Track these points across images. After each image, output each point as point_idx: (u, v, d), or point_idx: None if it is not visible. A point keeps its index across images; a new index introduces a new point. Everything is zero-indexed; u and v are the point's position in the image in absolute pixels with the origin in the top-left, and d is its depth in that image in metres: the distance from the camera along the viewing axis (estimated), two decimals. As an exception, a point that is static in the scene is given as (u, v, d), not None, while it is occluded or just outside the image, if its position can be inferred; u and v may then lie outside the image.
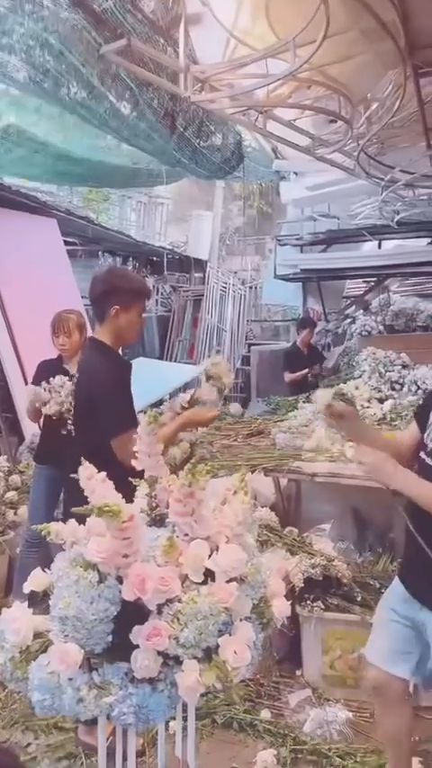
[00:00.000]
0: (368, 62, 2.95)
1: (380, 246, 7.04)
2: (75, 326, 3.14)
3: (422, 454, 1.67)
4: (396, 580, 1.78)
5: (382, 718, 2.00)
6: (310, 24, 2.28)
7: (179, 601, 1.13)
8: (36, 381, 3.19)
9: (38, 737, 2.41)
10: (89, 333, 3.21)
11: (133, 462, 1.50)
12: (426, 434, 1.68)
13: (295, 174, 6.37)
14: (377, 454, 1.57)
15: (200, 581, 1.17)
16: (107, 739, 2.17)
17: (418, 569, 1.66)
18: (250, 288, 10.72)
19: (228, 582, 1.20)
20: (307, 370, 5.80)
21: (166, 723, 1.41)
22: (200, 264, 9.90)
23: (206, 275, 9.65)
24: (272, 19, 2.52)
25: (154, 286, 9.15)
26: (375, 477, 1.57)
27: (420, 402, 1.90)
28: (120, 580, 1.13)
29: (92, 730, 2.29)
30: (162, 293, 9.52)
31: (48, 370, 3.21)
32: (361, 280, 8.03)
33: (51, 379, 3.03)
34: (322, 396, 1.77)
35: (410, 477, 1.57)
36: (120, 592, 1.11)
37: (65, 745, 2.36)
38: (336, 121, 3.86)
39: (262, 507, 3.02)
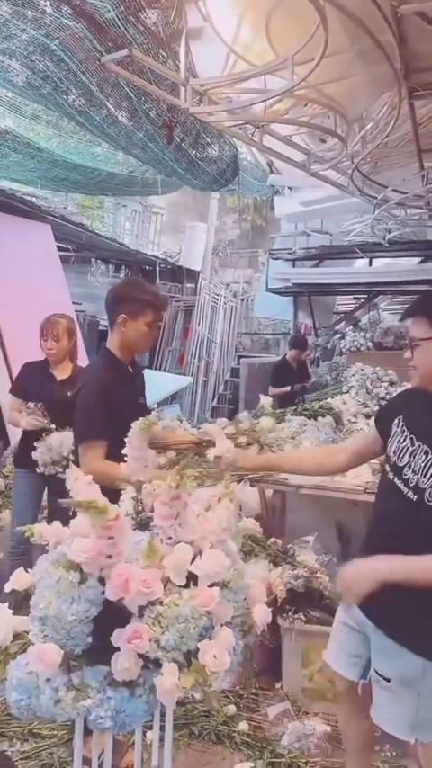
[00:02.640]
0: (364, 83, 3.01)
1: (371, 264, 7.13)
2: (64, 331, 3.08)
3: (388, 469, 1.62)
4: None
5: (343, 727, 2.01)
6: (309, 43, 2.33)
7: (161, 603, 1.13)
8: (19, 384, 3.15)
9: (13, 744, 2.37)
10: (80, 339, 3.21)
11: (122, 465, 1.51)
12: (389, 447, 1.62)
13: (290, 189, 6.46)
14: (347, 571, 1.49)
15: (182, 584, 1.17)
16: (99, 755, 2.15)
17: (383, 601, 1.62)
18: (242, 300, 10.78)
19: (210, 587, 1.20)
20: (288, 389, 5.80)
21: (144, 732, 1.40)
22: (192, 275, 9.96)
23: (198, 286, 9.70)
24: (272, 36, 2.57)
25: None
26: (363, 592, 1.46)
27: (379, 412, 1.86)
28: (102, 582, 1.13)
29: (85, 742, 2.25)
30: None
31: (32, 373, 3.15)
32: (351, 296, 8.12)
33: (31, 404, 2.95)
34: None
35: (388, 560, 1.46)
36: (102, 593, 1.10)
37: (40, 753, 2.33)
38: (326, 140, 3.93)
39: (247, 518, 3.02)
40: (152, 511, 1.32)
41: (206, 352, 9.71)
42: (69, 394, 2.91)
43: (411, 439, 1.54)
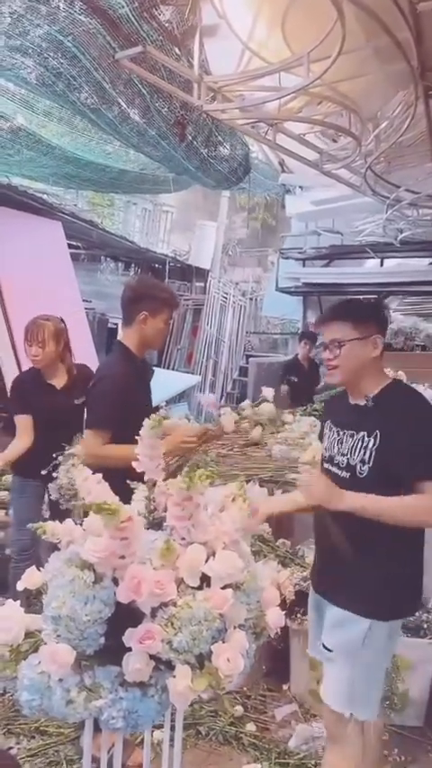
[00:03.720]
0: (379, 81, 2.98)
1: (382, 264, 7.09)
2: (50, 335, 2.83)
3: (324, 464, 1.82)
4: None
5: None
6: (325, 40, 2.30)
7: (174, 605, 1.12)
8: (21, 400, 2.93)
9: (20, 742, 2.37)
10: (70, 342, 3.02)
11: (134, 464, 1.50)
12: (323, 446, 1.85)
13: (301, 188, 6.42)
14: (319, 478, 1.67)
15: (196, 585, 1.16)
16: (109, 750, 2.15)
17: (320, 566, 1.88)
18: (251, 299, 10.75)
19: (223, 588, 1.19)
20: (287, 388, 5.75)
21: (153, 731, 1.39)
22: (201, 274, 9.94)
23: (207, 285, 9.68)
24: (287, 33, 2.55)
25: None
26: (323, 503, 1.62)
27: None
28: (115, 582, 1.12)
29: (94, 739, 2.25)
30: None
31: (28, 387, 2.94)
32: (362, 296, 8.07)
33: None
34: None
35: (357, 495, 1.63)
36: (114, 594, 1.09)
37: (47, 751, 2.33)
38: (338, 139, 3.90)
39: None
40: (165, 510, 1.31)
41: (215, 351, 9.69)
42: (77, 402, 2.80)
43: (337, 431, 1.78)
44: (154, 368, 2.61)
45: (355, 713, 1.67)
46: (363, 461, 1.67)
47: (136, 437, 1.47)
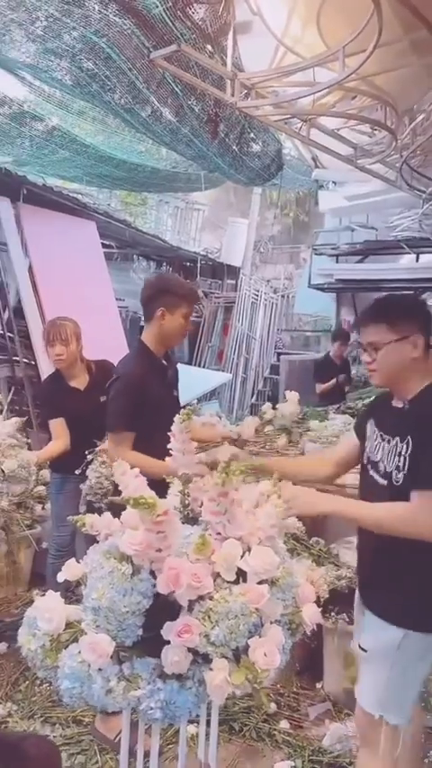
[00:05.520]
0: (416, 74, 2.92)
1: (417, 260, 6.96)
2: (72, 334, 2.87)
3: (368, 466, 1.77)
4: None
5: None
6: (360, 34, 2.28)
7: (210, 598, 1.13)
8: (53, 403, 2.99)
9: (55, 730, 2.43)
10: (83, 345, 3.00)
11: (167, 460, 1.52)
12: (366, 447, 1.80)
13: (334, 183, 6.36)
14: (295, 490, 1.61)
15: (232, 580, 1.17)
16: (116, 736, 2.18)
17: (360, 570, 1.86)
18: (282, 297, 10.69)
19: (259, 584, 1.19)
20: (334, 380, 5.79)
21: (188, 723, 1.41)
22: (233, 271, 9.93)
23: (238, 282, 9.67)
24: (322, 27, 2.52)
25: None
26: (300, 510, 1.59)
27: (356, 421, 2.01)
28: (153, 575, 1.13)
29: (108, 722, 2.30)
30: (193, 299, 9.56)
31: (51, 392, 2.99)
32: (397, 292, 7.94)
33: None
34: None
35: (338, 498, 1.63)
36: (152, 586, 1.11)
37: (81, 740, 2.37)
38: (372, 134, 3.84)
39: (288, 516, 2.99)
40: (201, 506, 1.32)
41: (245, 348, 9.67)
42: (102, 399, 2.75)
43: (380, 435, 1.74)
44: (185, 365, 2.62)
45: (386, 716, 1.64)
46: (398, 468, 1.62)
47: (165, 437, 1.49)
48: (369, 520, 1.60)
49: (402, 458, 1.60)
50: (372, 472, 1.73)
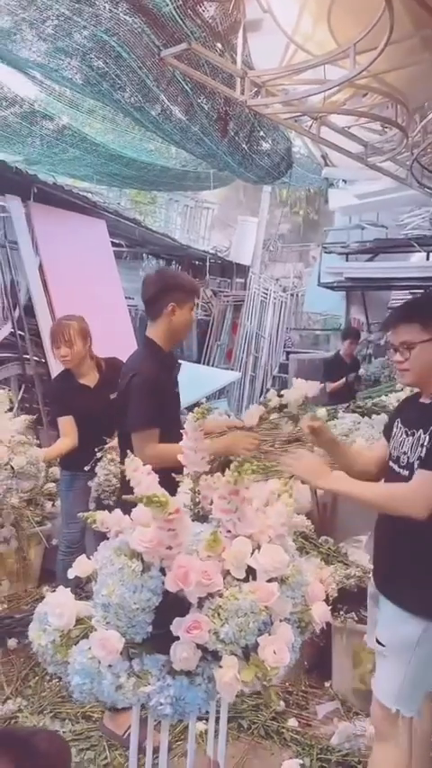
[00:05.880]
0: (427, 71, 2.90)
1: (428, 258, 6.92)
2: (76, 334, 2.86)
3: (390, 462, 1.81)
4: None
5: None
6: (371, 30, 2.26)
7: (220, 596, 1.13)
8: (62, 400, 3.01)
9: (65, 726, 2.44)
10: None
11: (179, 457, 1.52)
12: (391, 445, 1.84)
13: (344, 181, 6.33)
14: (308, 455, 1.72)
15: (242, 578, 1.17)
16: (124, 732, 2.19)
17: (379, 562, 1.86)
18: (291, 295, 10.67)
19: (268, 582, 1.19)
20: (343, 380, 5.78)
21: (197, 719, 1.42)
22: (242, 270, 9.92)
23: (248, 281, 9.65)
24: (333, 24, 2.51)
25: (195, 290, 9.21)
26: (306, 478, 1.71)
27: (385, 424, 2.04)
28: (162, 572, 1.14)
29: (116, 718, 2.31)
30: (203, 298, 9.57)
31: (61, 390, 3.02)
32: (407, 291, 7.90)
33: None
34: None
35: (341, 476, 1.72)
36: (162, 583, 1.11)
37: (91, 736, 2.39)
38: (383, 132, 3.82)
39: (297, 515, 2.99)
40: (211, 503, 1.33)
41: (254, 347, 9.66)
42: (112, 397, 2.78)
43: (405, 431, 1.77)
44: (194, 364, 2.64)
45: (402, 710, 1.66)
46: (420, 459, 1.65)
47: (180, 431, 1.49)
48: (366, 495, 1.68)
49: (424, 449, 1.64)
50: (394, 466, 1.77)
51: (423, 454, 1.64)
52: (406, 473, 1.70)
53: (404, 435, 1.77)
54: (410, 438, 1.72)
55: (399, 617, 1.67)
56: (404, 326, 1.72)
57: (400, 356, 1.72)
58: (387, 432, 1.92)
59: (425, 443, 1.64)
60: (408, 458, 1.70)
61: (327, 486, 1.72)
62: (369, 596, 1.94)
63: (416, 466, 1.65)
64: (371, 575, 1.93)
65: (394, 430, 1.85)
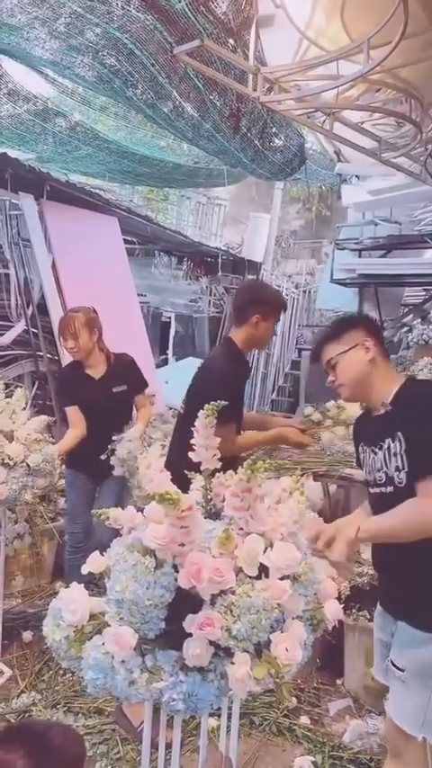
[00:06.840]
0: (442, 64, 2.88)
1: (442, 254, 6.85)
2: (82, 326, 2.89)
3: (369, 489, 1.78)
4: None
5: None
6: (385, 25, 2.25)
7: (233, 593, 1.13)
8: (69, 391, 3.05)
9: (78, 720, 2.47)
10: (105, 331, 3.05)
11: (190, 454, 1.52)
12: (365, 471, 1.79)
13: (357, 177, 6.29)
14: (327, 530, 1.55)
15: (254, 575, 1.17)
16: (138, 725, 2.21)
17: (391, 585, 1.77)
18: (304, 292, 10.63)
19: (281, 579, 1.20)
20: None
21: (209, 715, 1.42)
22: (254, 266, 9.88)
23: (260, 278, 9.62)
24: (346, 19, 2.50)
25: (207, 287, 9.20)
26: (347, 554, 1.51)
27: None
28: (175, 568, 1.14)
29: (133, 706, 2.32)
30: (215, 294, 9.56)
31: (68, 379, 3.08)
32: (421, 287, 7.83)
33: None
34: None
35: (369, 523, 1.59)
36: (175, 579, 1.12)
37: (104, 730, 2.41)
38: (397, 127, 3.79)
39: (309, 512, 2.99)
40: (223, 501, 1.33)
41: (267, 344, 9.64)
42: (115, 390, 2.92)
43: (371, 450, 1.73)
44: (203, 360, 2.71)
45: (429, 737, 1.58)
46: (398, 468, 1.61)
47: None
48: (396, 526, 1.54)
49: (399, 456, 1.61)
50: (375, 489, 1.73)
51: (407, 463, 1.58)
52: (390, 489, 1.65)
53: (372, 455, 1.73)
54: (379, 453, 1.68)
55: (418, 640, 1.60)
56: (324, 348, 1.79)
57: (331, 375, 1.77)
58: (359, 461, 1.88)
59: (398, 451, 1.60)
60: (385, 473, 1.66)
61: (368, 539, 1.62)
62: (375, 625, 1.84)
63: (396, 479, 1.61)
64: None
65: (362, 455, 1.81)
